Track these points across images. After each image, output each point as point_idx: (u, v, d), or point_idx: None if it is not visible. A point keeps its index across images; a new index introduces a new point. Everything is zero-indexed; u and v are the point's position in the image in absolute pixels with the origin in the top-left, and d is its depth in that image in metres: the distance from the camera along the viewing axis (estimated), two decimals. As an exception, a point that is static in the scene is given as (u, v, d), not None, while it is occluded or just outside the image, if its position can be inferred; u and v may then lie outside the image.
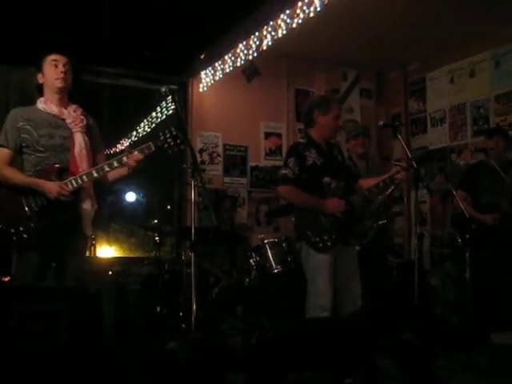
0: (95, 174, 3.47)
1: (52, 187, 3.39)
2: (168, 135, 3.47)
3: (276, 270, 4.92)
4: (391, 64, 7.31)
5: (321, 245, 3.96)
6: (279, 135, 7.20)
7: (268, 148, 7.16)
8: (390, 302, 5.21)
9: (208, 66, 6.56)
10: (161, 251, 5.55)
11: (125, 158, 3.47)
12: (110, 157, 3.60)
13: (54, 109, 3.59)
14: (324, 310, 3.89)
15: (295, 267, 4.92)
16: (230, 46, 6.08)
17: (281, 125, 7.22)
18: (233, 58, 6.23)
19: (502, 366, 3.84)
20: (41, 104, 3.61)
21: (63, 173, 3.46)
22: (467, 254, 4.46)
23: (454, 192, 4.56)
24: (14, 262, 3.49)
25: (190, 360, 3.42)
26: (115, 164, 3.48)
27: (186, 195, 6.36)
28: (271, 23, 5.43)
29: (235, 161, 6.98)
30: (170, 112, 6.89)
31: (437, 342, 4.19)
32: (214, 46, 6.20)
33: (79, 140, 3.58)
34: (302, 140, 4.30)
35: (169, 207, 6.77)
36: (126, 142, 7.59)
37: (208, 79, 6.66)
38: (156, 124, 7.21)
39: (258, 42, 5.79)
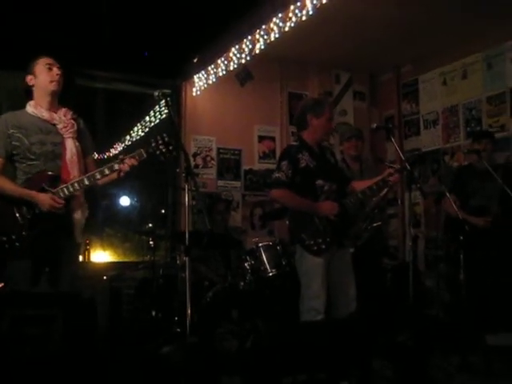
0: (87, 182, 3.45)
1: (44, 199, 3.37)
2: (160, 141, 3.45)
3: (271, 274, 4.91)
4: (384, 66, 7.33)
5: (315, 248, 3.96)
6: (273, 139, 7.20)
7: (262, 151, 7.16)
8: (384, 303, 5.21)
9: (201, 70, 6.56)
10: (155, 255, 5.53)
11: (116, 166, 3.45)
12: (103, 162, 3.58)
13: (44, 113, 3.56)
14: (318, 312, 3.89)
15: (290, 270, 4.92)
16: (223, 50, 6.08)
17: (274, 128, 7.22)
18: (226, 62, 6.23)
19: (496, 367, 3.85)
20: (30, 108, 3.57)
21: (55, 180, 3.45)
22: (461, 256, 4.47)
23: (448, 194, 4.57)
24: (7, 269, 3.47)
25: (185, 364, 3.41)
26: (106, 171, 3.47)
27: (180, 199, 6.35)
28: (264, 27, 5.45)
29: (229, 164, 6.97)
30: (164, 116, 6.89)
31: (432, 343, 4.20)
32: (207, 49, 6.20)
33: (70, 146, 3.56)
34: (294, 143, 4.30)
35: (163, 211, 6.76)
36: (119, 147, 7.58)
37: (201, 83, 6.67)
38: (150, 128, 7.20)
39: (250, 46, 5.80)
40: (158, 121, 7.03)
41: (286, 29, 5.31)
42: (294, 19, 5.16)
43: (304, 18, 5.09)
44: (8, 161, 3.51)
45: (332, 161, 4.32)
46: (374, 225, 5.31)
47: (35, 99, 3.60)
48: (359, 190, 4.14)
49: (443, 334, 4.58)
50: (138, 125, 7.29)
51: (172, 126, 4.92)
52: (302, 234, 4.02)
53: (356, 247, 4.85)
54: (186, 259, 3.52)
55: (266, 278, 4.92)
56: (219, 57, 6.22)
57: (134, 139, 7.40)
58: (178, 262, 5.45)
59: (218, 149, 6.93)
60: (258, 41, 5.64)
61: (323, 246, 3.95)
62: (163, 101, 3.60)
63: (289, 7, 5.08)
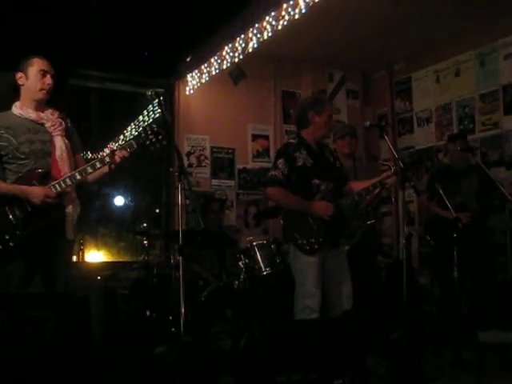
0: (78, 177, 3.45)
1: (37, 191, 3.36)
2: (149, 132, 3.45)
3: (265, 272, 4.91)
4: (377, 64, 7.34)
5: (307, 247, 3.96)
6: (266, 137, 7.21)
7: (255, 150, 7.16)
8: (378, 301, 5.22)
9: (194, 69, 6.56)
10: (149, 255, 5.53)
11: (107, 158, 3.46)
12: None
13: (31, 114, 3.54)
14: (313, 311, 3.89)
15: (284, 269, 4.92)
16: (216, 49, 6.08)
17: (268, 127, 7.23)
18: (219, 61, 6.23)
19: (488, 364, 3.87)
20: (17, 109, 3.55)
21: (45, 178, 3.44)
22: (455, 253, 4.49)
23: (441, 191, 4.58)
24: (1, 270, 3.45)
25: (180, 363, 3.41)
26: (98, 165, 3.46)
27: (174, 199, 6.34)
28: (256, 25, 5.44)
29: (223, 163, 6.97)
30: (157, 115, 6.88)
31: (425, 340, 4.21)
32: (200, 48, 6.20)
33: (60, 143, 3.55)
34: (292, 141, 4.27)
35: (157, 211, 6.75)
36: (113, 146, 7.56)
37: (194, 82, 6.66)
38: (143, 127, 7.18)
39: (243, 45, 5.80)
40: (151, 120, 7.01)
41: (279, 27, 5.31)
42: (286, 17, 5.17)
43: (297, 17, 5.10)
44: None
45: (331, 160, 4.29)
46: (368, 223, 5.32)
47: (21, 99, 3.58)
48: (356, 191, 4.13)
49: (436, 331, 4.60)
50: (132, 124, 7.28)
51: (165, 125, 4.91)
52: (295, 233, 4.01)
53: (350, 245, 4.86)
54: (180, 258, 3.52)
55: (260, 277, 4.92)
56: (212, 56, 6.21)
57: (128, 138, 7.38)
58: (172, 261, 5.45)
59: (212, 148, 6.93)
60: (251, 39, 5.64)
61: (316, 246, 3.95)
62: (156, 100, 3.60)
63: (281, 5, 5.08)
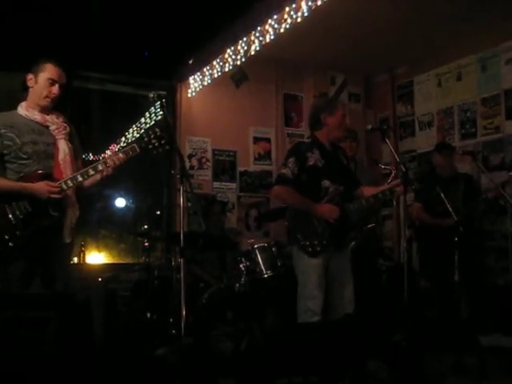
0: (80, 178, 3.46)
1: (41, 186, 3.36)
2: (152, 136, 3.45)
3: (266, 275, 4.91)
4: (379, 68, 7.35)
5: (310, 249, 3.95)
6: (268, 140, 7.21)
7: (257, 153, 7.16)
8: (379, 304, 5.22)
9: (196, 72, 6.57)
10: (150, 257, 5.53)
11: (109, 160, 3.46)
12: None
13: (36, 116, 3.55)
14: (314, 313, 3.88)
15: (285, 272, 4.92)
16: (218, 52, 6.09)
17: (269, 130, 7.23)
18: (221, 64, 6.24)
19: (490, 368, 3.86)
20: (22, 110, 3.56)
21: (47, 179, 3.43)
22: (456, 257, 4.50)
23: (442, 195, 4.59)
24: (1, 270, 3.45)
25: (180, 366, 3.41)
26: (100, 167, 3.47)
27: (175, 201, 6.35)
28: (259, 28, 5.45)
29: (224, 166, 6.98)
30: (159, 118, 6.88)
31: (426, 344, 4.21)
32: (202, 51, 6.20)
33: (63, 147, 3.56)
34: (306, 140, 4.26)
35: (158, 213, 6.75)
36: (115, 148, 7.56)
37: (196, 84, 6.67)
38: (145, 129, 7.19)
39: (245, 47, 5.81)
40: (153, 122, 7.02)
41: (281, 30, 5.31)
42: (289, 21, 5.17)
43: (299, 20, 5.10)
44: None
45: (344, 162, 4.26)
46: (369, 226, 5.32)
47: (28, 101, 3.59)
48: (365, 196, 4.11)
49: (437, 335, 4.60)
50: (133, 126, 7.28)
51: (167, 128, 4.91)
52: (298, 234, 4.01)
53: (351, 248, 4.86)
54: (181, 261, 3.52)
55: (261, 280, 4.93)
56: (214, 58, 6.22)
57: (130, 140, 7.39)
58: (173, 263, 5.45)
59: (214, 150, 6.93)
60: (254, 42, 5.65)
61: (318, 248, 3.94)
62: (158, 102, 3.60)
63: (284, 9, 5.09)
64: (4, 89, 5.91)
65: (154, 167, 6.71)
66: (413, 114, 7.10)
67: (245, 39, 5.71)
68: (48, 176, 3.46)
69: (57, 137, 3.56)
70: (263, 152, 7.19)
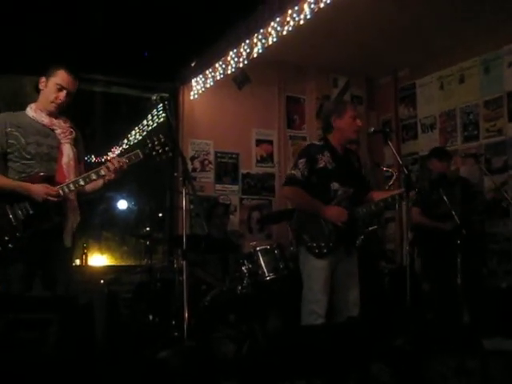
0: (82, 183, 3.45)
1: (39, 189, 3.36)
2: (156, 142, 3.45)
3: (268, 278, 4.90)
4: (381, 70, 7.35)
5: (316, 250, 3.95)
6: (270, 142, 7.21)
7: (259, 155, 7.16)
8: (382, 307, 5.21)
9: (199, 74, 6.57)
10: (153, 259, 5.53)
11: (111, 165, 3.45)
12: (101, 164, 3.57)
13: (43, 118, 3.56)
14: (319, 316, 3.88)
15: (288, 274, 4.92)
16: (221, 54, 6.09)
17: (272, 132, 7.23)
18: (223, 66, 6.24)
19: (493, 371, 3.85)
20: (31, 111, 3.57)
21: (50, 182, 3.43)
22: (458, 260, 4.49)
23: (445, 198, 4.58)
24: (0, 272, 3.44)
25: (183, 368, 3.40)
26: (102, 172, 3.46)
27: (178, 203, 6.35)
28: (261, 31, 5.45)
29: (227, 168, 6.98)
30: (161, 120, 6.89)
31: (429, 347, 4.20)
32: (205, 53, 6.21)
33: (68, 151, 3.57)
34: (317, 142, 4.25)
35: (160, 215, 6.76)
36: (117, 150, 7.57)
37: (199, 87, 6.67)
38: (147, 132, 7.20)
39: (248, 50, 5.81)
40: (155, 124, 7.02)
41: (284, 33, 5.31)
42: (291, 23, 5.17)
43: (302, 22, 5.10)
44: (1, 158, 3.47)
45: (356, 166, 4.26)
46: (370, 228, 5.31)
47: (38, 102, 3.60)
48: (374, 201, 4.10)
49: (440, 338, 4.59)
50: (136, 128, 7.29)
51: (169, 130, 4.92)
52: (305, 235, 4.01)
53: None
54: (184, 263, 3.52)
55: (263, 282, 4.92)
56: (217, 60, 6.22)
57: (132, 143, 7.39)
58: (175, 265, 5.44)
59: (216, 152, 6.93)
60: (256, 45, 5.65)
61: (324, 250, 3.94)
62: (161, 104, 3.60)
63: (287, 11, 5.08)
64: (7, 91, 5.94)
65: (157, 169, 6.71)
66: (415, 117, 7.10)
67: (247, 42, 5.72)
68: (50, 179, 3.45)
69: (62, 141, 3.57)
70: (266, 154, 7.19)
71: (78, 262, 5.79)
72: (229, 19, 5.41)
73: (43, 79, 3.57)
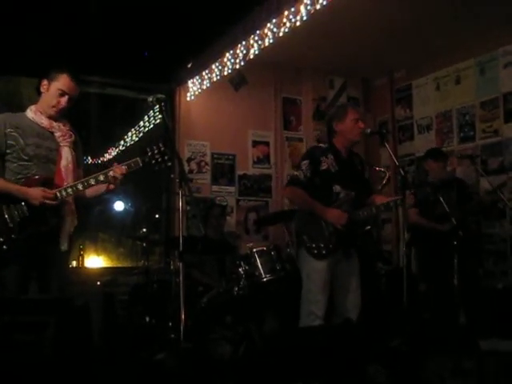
0: (80, 187, 3.43)
1: (36, 192, 3.34)
2: (156, 151, 3.45)
3: (265, 279, 4.89)
4: (378, 71, 7.36)
5: (315, 251, 3.96)
6: (267, 143, 7.21)
7: (256, 156, 7.16)
8: (379, 308, 5.21)
9: (195, 75, 6.57)
10: (149, 260, 5.53)
11: (111, 173, 3.44)
12: (97, 167, 3.58)
13: (43, 121, 3.53)
14: (317, 317, 3.90)
15: (284, 276, 4.91)
16: (217, 55, 6.09)
17: (268, 133, 7.23)
18: (220, 67, 6.24)
19: (489, 372, 3.86)
20: (31, 113, 3.54)
21: (47, 184, 3.41)
22: (455, 261, 4.50)
23: (441, 199, 4.59)
24: None
25: (179, 370, 3.40)
26: (101, 178, 3.45)
27: (174, 204, 6.34)
28: (258, 32, 5.45)
29: (223, 169, 6.97)
30: (158, 121, 6.89)
31: (425, 347, 4.20)
32: (201, 54, 6.21)
33: (66, 154, 3.55)
34: (322, 145, 4.29)
35: (157, 216, 6.75)
36: (113, 152, 7.57)
37: (195, 88, 6.67)
38: (144, 133, 7.20)
39: (244, 51, 5.81)
40: (151, 126, 7.02)
41: (280, 34, 5.32)
42: (288, 24, 5.18)
43: (298, 24, 5.11)
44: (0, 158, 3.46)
45: (359, 169, 4.28)
46: (365, 229, 5.31)
47: (38, 105, 3.58)
48: (375, 204, 4.12)
49: (436, 339, 4.59)
50: (132, 130, 7.28)
51: (166, 132, 4.91)
52: (304, 235, 4.03)
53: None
54: (180, 264, 3.52)
55: (260, 284, 4.91)
56: (213, 62, 6.22)
57: (128, 144, 7.39)
58: (172, 267, 5.44)
59: (212, 154, 6.93)
60: (253, 46, 5.65)
61: (324, 251, 3.96)
62: (157, 106, 3.60)
63: (283, 13, 5.09)
64: (4, 92, 5.93)
65: (153, 171, 6.70)
66: (411, 118, 7.11)
67: (244, 43, 5.72)
68: (48, 181, 3.44)
69: (61, 144, 3.55)
70: (262, 155, 7.19)
71: (74, 263, 5.79)
72: (225, 20, 5.41)
73: (45, 82, 3.54)
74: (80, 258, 5.95)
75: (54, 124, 3.56)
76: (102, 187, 3.53)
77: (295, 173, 4.13)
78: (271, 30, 5.34)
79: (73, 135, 3.64)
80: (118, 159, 7.31)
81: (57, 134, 3.55)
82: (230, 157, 7.03)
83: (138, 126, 7.17)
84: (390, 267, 6.28)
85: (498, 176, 5.84)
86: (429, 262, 5.46)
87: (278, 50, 5.87)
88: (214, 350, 4.08)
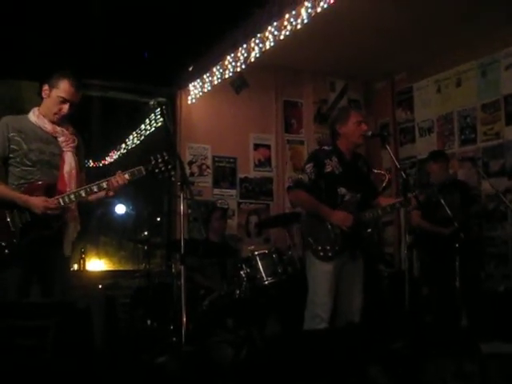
0: (83, 194, 3.42)
1: (38, 202, 3.33)
2: (160, 160, 3.45)
3: (267, 282, 4.91)
4: (379, 74, 7.36)
5: (321, 253, 3.96)
6: (268, 147, 7.21)
7: (257, 159, 7.16)
8: (380, 310, 5.21)
9: (196, 78, 6.57)
10: (151, 264, 5.53)
11: (114, 182, 3.44)
12: (98, 170, 3.59)
13: (46, 125, 3.51)
14: (322, 320, 3.89)
15: (286, 278, 4.92)
16: (218, 58, 6.10)
17: (270, 136, 7.23)
18: (221, 70, 6.25)
19: (491, 375, 3.85)
20: (34, 117, 3.52)
21: (50, 190, 3.41)
22: (457, 263, 4.49)
23: (443, 201, 4.59)
24: None
25: (181, 373, 3.40)
26: (104, 185, 3.44)
27: (176, 207, 6.34)
28: (259, 35, 5.46)
29: (224, 172, 6.97)
30: (159, 125, 6.90)
31: (427, 350, 4.20)
32: (202, 58, 6.22)
33: (69, 160, 3.53)
34: (326, 147, 4.28)
35: (158, 219, 6.76)
36: (115, 155, 7.58)
37: (196, 91, 6.67)
38: (145, 136, 7.21)
39: (245, 54, 5.82)
40: (153, 129, 7.03)
41: (281, 37, 5.32)
42: (288, 28, 5.18)
43: (299, 27, 5.11)
44: (2, 163, 3.45)
45: (364, 170, 4.27)
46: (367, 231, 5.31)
47: (40, 108, 3.55)
48: (381, 206, 4.12)
49: (438, 341, 4.59)
50: (134, 133, 7.29)
51: (167, 135, 4.92)
52: (310, 238, 4.03)
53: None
54: (182, 267, 3.52)
55: (261, 287, 4.92)
56: (214, 65, 6.23)
57: (130, 147, 7.40)
58: (173, 270, 5.45)
59: (214, 157, 6.93)
60: (253, 49, 5.66)
61: (330, 254, 3.95)
62: (158, 109, 3.60)
63: (284, 16, 5.09)
64: (5, 96, 5.94)
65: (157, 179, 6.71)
66: (413, 120, 7.10)
67: (245, 46, 5.72)
68: (51, 187, 3.43)
69: (64, 149, 3.53)
70: (263, 158, 7.19)
71: (75, 266, 5.79)
72: (226, 24, 5.41)
73: (46, 88, 3.51)
74: (81, 261, 5.94)
75: (58, 129, 3.54)
76: (102, 193, 3.52)
77: (300, 176, 4.13)
78: (272, 33, 5.35)
79: (76, 139, 3.62)
80: (119, 163, 7.33)
81: (60, 139, 3.54)
82: (231, 160, 7.03)
83: (140, 130, 7.19)
84: (391, 270, 6.27)
85: (499, 178, 5.84)
86: (431, 265, 5.45)
87: (278, 53, 5.87)
88: (215, 353, 4.07)
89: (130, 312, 5.40)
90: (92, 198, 3.56)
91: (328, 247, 3.96)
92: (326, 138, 6.82)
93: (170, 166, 3.46)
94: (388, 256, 7.05)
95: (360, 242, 4.12)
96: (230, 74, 6.21)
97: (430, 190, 4.40)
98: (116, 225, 7.03)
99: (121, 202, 6.59)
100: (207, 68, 6.33)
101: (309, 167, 4.07)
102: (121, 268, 6.93)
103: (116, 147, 7.50)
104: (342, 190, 4.05)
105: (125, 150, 7.43)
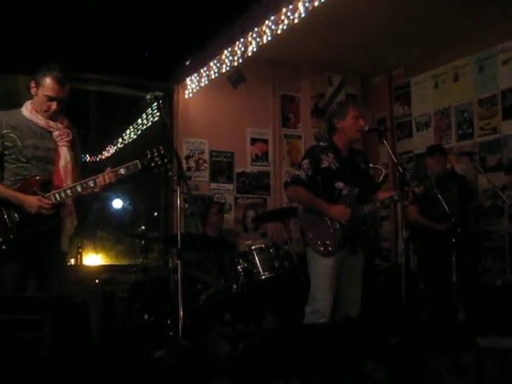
0: (79, 189, 3.40)
1: (32, 201, 3.32)
2: (155, 154, 3.43)
3: (264, 276, 4.91)
4: (376, 69, 7.35)
5: (321, 248, 3.97)
6: (265, 141, 7.21)
7: (254, 154, 7.16)
8: (377, 305, 5.22)
9: (193, 73, 6.56)
10: (148, 258, 5.52)
11: (108, 175, 3.42)
12: (95, 164, 3.58)
13: (40, 120, 3.48)
14: (323, 315, 3.90)
15: (283, 273, 4.92)
16: (215, 53, 6.08)
17: (267, 131, 7.23)
18: (218, 65, 6.23)
19: (488, 369, 3.86)
20: (27, 112, 3.49)
21: (46, 185, 3.40)
22: (453, 258, 4.50)
23: (440, 196, 4.59)
24: None
25: (178, 368, 3.40)
26: (101, 179, 3.44)
27: (173, 202, 6.34)
28: (256, 29, 5.45)
29: (222, 167, 6.97)
30: (156, 119, 6.88)
31: (424, 345, 4.21)
32: (199, 52, 6.20)
33: (65, 154, 3.51)
34: (322, 143, 4.29)
35: (155, 214, 6.75)
36: (111, 149, 7.57)
37: (193, 85, 6.66)
38: (142, 131, 7.19)
39: (243, 48, 5.80)
40: (150, 123, 7.02)
41: (279, 31, 5.31)
42: (286, 22, 5.17)
43: (296, 21, 5.10)
44: None
45: (361, 165, 4.27)
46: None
47: (33, 103, 3.51)
48: (380, 199, 4.12)
49: (435, 336, 4.60)
50: (131, 127, 7.28)
51: (164, 129, 4.91)
52: (310, 233, 4.03)
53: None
54: (179, 262, 3.52)
55: (258, 281, 4.92)
56: (211, 59, 6.22)
57: (126, 142, 7.38)
58: (170, 264, 5.44)
59: (211, 151, 6.92)
60: (251, 43, 5.65)
61: (330, 249, 3.96)
62: (155, 103, 3.59)
63: (281, 10, 5.08)
64: (1, 91, 5.92)
65: (153, 173, 6.70)
66: (410, 115, 7.10)
67: (242, 40, 5.71)
68: (47, 182, 3.41)
69: (59, 143, 3.51)
70: (260, 153, 7.19)
71: (72, 261, 5.79)
72: (223, 18, 5.40)
73: (33, 85, 3.46)
74: (78, 255, 5.93)
75: (51, 123, 3.51)
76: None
77: (296, 172, 4.13)
78: (269, 28, 5.34)
79: (70, 133, 3.58)
80: (116, 157, 7.32)
81: (55, 134, 3.51)
82: (229, 154, 7.02)
83: (136, 124, 7.17)
84: (388, 264, 6.28)
85: (496, 173, 5.85)
86: (427, 259, 5.46)
87: (276, 47, 5.87)
88: (212, 347, 4.07)
89: (127, 306, 5.40)
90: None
91: (328, 242, 3.96)
92: (323, 132, 6.82)
93: (166, 160, 3.44)
94: (385, 251, 7.05)
95: (360, 236, 4.13)
96: (227, 69, 6.19)
97: (428, 182, 4.39)
98: (113, 219, 7.02)
99: (118, 197, 6.58)
100: (204, 62, 6.31)
101: (305, 163, 4.08)
102: (118, 263, 6.92)
103: (113, 142, 7.48)
104: (340, 185, 4.05)
105: (122, 145, 7.41)
